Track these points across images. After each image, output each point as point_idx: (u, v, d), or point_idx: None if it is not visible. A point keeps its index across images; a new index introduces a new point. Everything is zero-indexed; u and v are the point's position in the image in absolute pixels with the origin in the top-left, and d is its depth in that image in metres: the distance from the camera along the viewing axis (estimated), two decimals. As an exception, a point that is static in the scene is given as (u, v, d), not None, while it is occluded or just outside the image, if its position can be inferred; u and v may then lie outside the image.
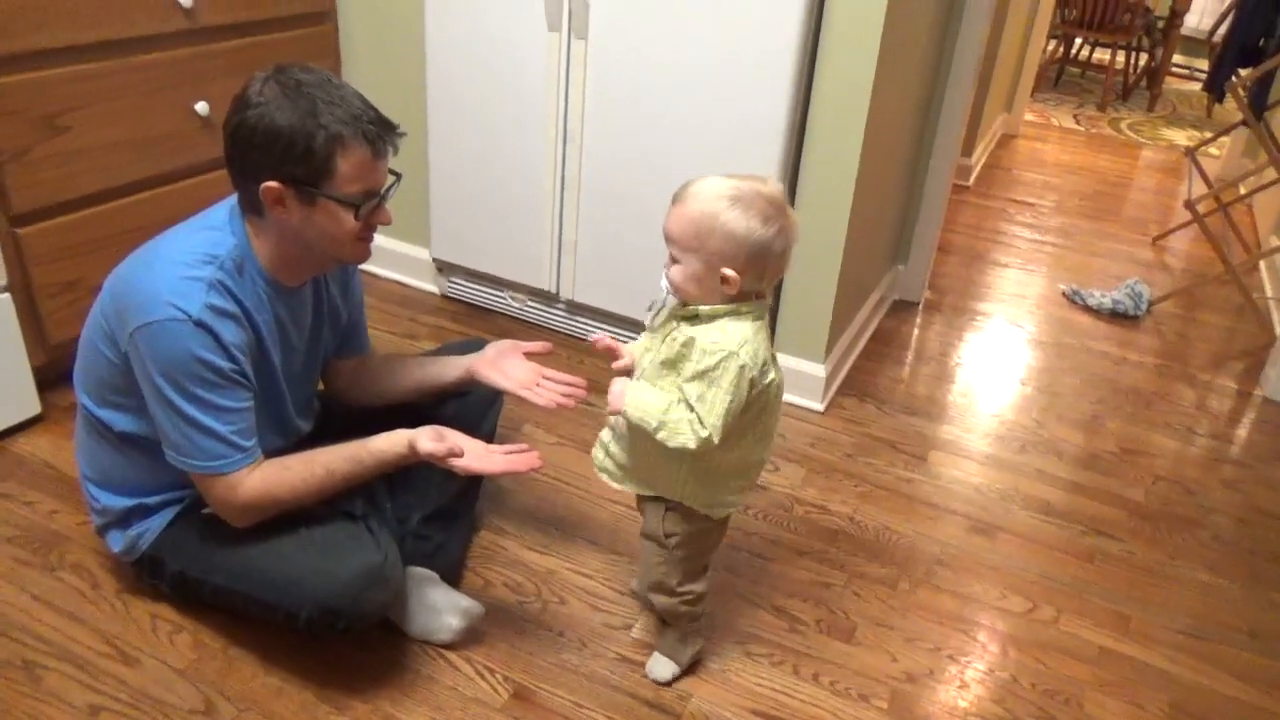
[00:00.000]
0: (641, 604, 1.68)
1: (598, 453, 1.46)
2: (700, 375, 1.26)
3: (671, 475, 1.39)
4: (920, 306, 3.00)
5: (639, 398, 1.31)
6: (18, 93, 1.82)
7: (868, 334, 2.74)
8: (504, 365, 1.63)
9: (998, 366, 2.70)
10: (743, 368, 1.26)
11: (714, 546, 1.51)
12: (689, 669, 1.57)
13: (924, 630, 1.72)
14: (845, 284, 2.28)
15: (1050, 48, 5.82)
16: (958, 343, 2.81)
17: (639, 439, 1.38)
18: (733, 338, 1.27)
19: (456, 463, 1.40)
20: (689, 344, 1.28)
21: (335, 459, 1.43)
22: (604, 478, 1.46)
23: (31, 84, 1.84)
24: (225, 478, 1.37)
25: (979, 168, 4.33)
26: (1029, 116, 5.27)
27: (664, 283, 1.32)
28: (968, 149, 4.04)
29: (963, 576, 1.86)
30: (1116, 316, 3.04)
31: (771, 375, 1.32)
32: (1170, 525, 2.07)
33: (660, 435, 1.28)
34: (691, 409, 1.26)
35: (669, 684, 1.55)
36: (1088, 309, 3.07)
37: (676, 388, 1.29)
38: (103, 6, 1.92)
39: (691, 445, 1.27)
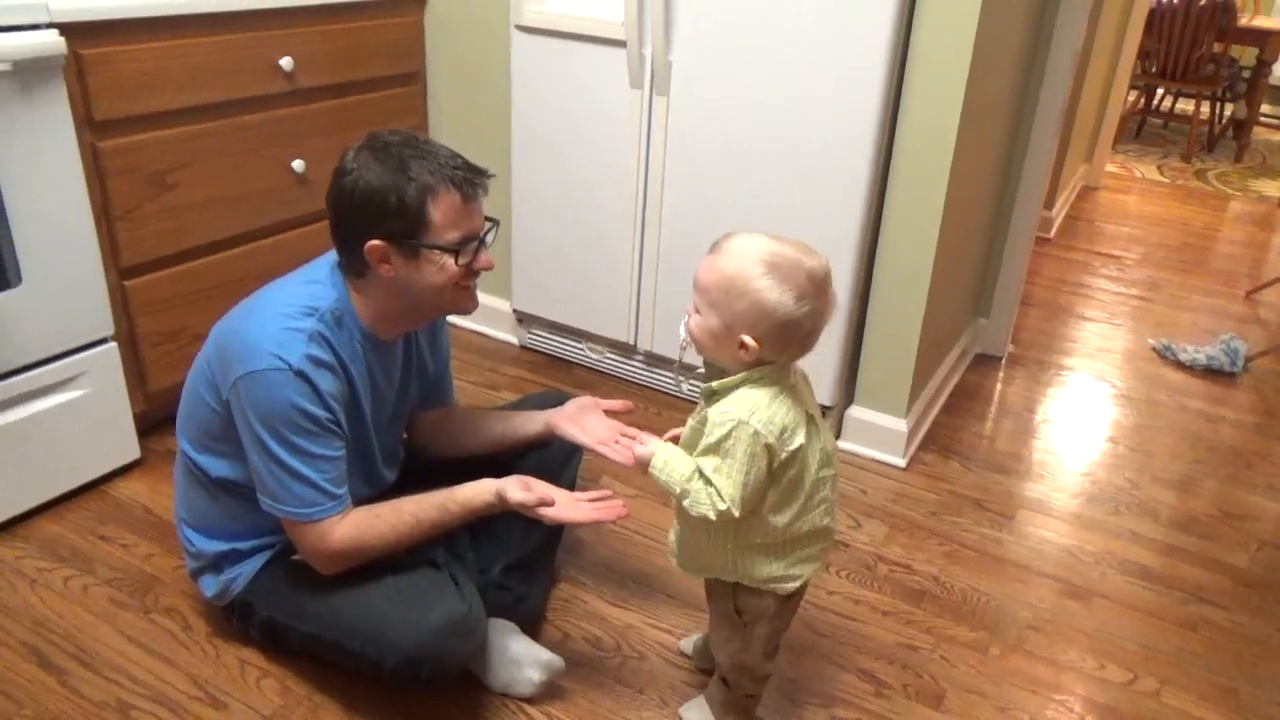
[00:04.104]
0: (695, 665, 1.65)
1: (670, 534, 1.44)
2: (714, 447, 1.23)
3: (717, 553, 1.34)
4: (1003, 361, 2.94)
5: (667, 460, 1.28)
6: (133, 153, 1.92)
7: (949, 388, 2.69)
8: (583, 421, 1.64)
9: (1086, 423, 2.61)
10: (755, 434, 1.21)
11: (788, 623, 1.47)
12: None
13: (1017, 699, 1.65)
14: (927, 337, 2.25)
15: (1131, 98, 5.73)
16: (1042, 398, 2.74)
17: (683, 522, 1.37)
18: (743, 406, 1.23)
19: (546, 512, 1.41)
20: (704, 421, 1.26)
21: (423, 507, 1.44)
22: (672, 560, 1.44)
23: (146, 144, 1.94)
24: (317, 525, 1.39)
25: (1060, 219, 4.25)
26: (1110, 168, 5.17)
27: (682, 330, 1.30)
28: (1049, 201, 3.97)
29: (1057, 643, 1.79)
30: (1211, 373, 2.93)
31: (799, 442, 1.25)
32: (1278, 594, 1.96)
33: (685, 502, 1.26)
34: (710, 482, 1.23)
35: None
36: (1180, 365, 2.97)
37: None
38: (213, 71, 2.02)
39: (711, 516, 1.24)
